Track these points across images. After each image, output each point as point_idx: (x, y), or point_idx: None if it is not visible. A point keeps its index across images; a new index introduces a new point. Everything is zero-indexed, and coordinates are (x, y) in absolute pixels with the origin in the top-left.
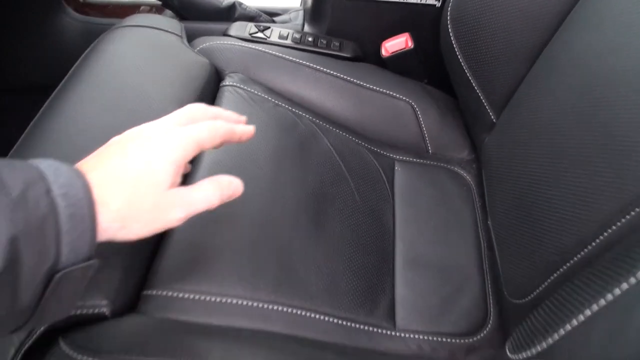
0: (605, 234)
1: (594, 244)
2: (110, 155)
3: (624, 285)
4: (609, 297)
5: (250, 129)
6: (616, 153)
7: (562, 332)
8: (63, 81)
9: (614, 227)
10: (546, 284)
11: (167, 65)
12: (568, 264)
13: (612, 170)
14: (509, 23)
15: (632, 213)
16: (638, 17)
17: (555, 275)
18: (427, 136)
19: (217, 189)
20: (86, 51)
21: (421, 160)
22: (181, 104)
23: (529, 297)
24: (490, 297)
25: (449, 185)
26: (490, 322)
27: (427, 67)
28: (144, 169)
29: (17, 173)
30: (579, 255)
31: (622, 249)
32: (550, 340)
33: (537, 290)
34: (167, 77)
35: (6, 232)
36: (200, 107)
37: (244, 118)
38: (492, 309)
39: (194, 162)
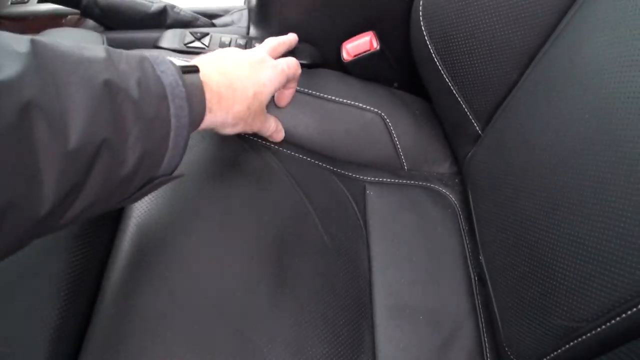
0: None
1: (626, 314)
2: (232, 67)
3: None
4: None
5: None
6: None
7: None
8: None
9: None
10: (561, 351)
11: None
12: (591, 334)
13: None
14: (495, 20)
15: None
16: None
17: (573, 343)
18: (401, 151)
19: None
20: None
21: (396, 180)
22: None
23: None
24: (487, 349)
25: (430, 209)
26: None
27: (397, 69)
28: (258, 87)
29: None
30: (605, 325)
31: None
32: None
33: (549, 357)
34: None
35: (141, 146)
36: (276, 40)
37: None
38: None
39: (123, 217)
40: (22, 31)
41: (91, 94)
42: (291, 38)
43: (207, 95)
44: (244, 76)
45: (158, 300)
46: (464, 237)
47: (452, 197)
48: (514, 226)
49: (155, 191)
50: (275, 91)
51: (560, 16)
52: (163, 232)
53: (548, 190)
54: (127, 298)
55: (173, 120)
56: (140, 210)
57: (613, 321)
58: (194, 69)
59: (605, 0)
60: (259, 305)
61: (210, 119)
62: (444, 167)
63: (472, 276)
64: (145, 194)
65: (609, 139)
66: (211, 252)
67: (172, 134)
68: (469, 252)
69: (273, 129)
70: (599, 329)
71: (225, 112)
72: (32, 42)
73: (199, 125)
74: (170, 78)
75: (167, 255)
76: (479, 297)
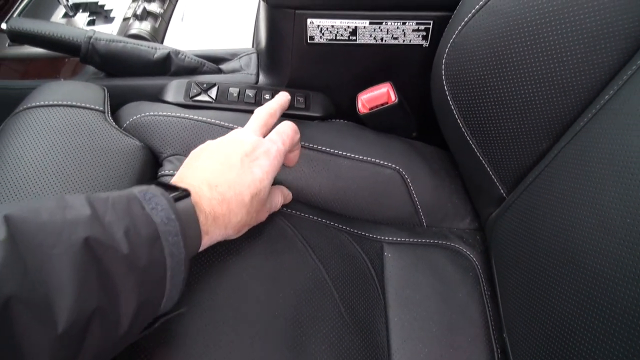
0: None
1: None
2: (223, 172)
3: None
4: None
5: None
6: None
7: None
8: None
9: None
10: None
11: (89, 160)
12: None
13: None
14: (526, 85)
15: None
16: None
17: None
18: (420, 208)
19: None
20: None
21: (415, 240)
22: None
23: None
24: None
25: (451, 272)
26: None
27: (416, 120)
28: (254, 188)
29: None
30: None
31: None
32: None
33: None
34: (87, 181)
35: (135, 299)
36: (265, 112)
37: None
38: None
39: None
40: (23, 74)
41: (76, 264)
42: (282, 101)
43: (201, 219)
44: (236, 181)
45: None
46: (486, 304)
47: (473, 257)
48: (543, 316)
49: None
50: (275, 174)
51: (600, 87)
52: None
53: (581, 278)
54: None
55: (168, 260)
56: None
57: None
58: (185, 194)
59: None
60: None
61: (208, 241)
62: (465, 223)
63: (496, 350)
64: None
65: None
66: (222, 334)
67: (168, 275)
68: (491, 322)
69: (281, 203)
70: None
71: (223, 229)
72: (8, 224)
73: (196, 251)
74: (161, 214)
75: (182, 338)
76: None
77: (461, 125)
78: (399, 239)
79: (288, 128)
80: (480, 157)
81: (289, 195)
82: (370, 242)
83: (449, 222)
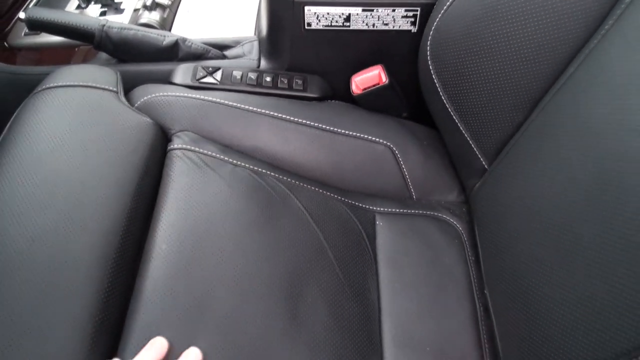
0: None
1: None
2: None
3: None
4: None
5: None
6: None
7: None
8: None
9: None
10: None
11: (103, 134)
12: None
13: (637, 284)
14: (502, 63)
15: None
16: None
17: None
18: (410, 181)
19: None
20: (8, 124)
21: (405, 210)
22: (124, 184)
23: None
24: None
25: (438, 239)
26: None
27: (405, 101)
28: None
29: None
30: None
31: None
32: None
33: None
34: (104, 152)
35: None
36: None
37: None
38: None
39: (145, 258)
40: (37, 62)
41: None
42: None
43: None
44: None
45: (180, 337)
46: (470, 267)
47: (459, 226)
48: (514, 266)
49: (179, 227)
50: None
51: (565, 64)
52: (186, 265)
53: (547, 232)
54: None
55: None
56: (165, 240)
57: None
58: None
59: (613, 57)
60: (274, 341)
61: None
62: (452, 196)
63: (478, 307)
64: None
65: (612, 200)
66: (230, 287)
67: None
68: (474, 283)
69: None
70: None
71: None
72: None
73: None
74: None
75: (189, 288)
76: (484, 328)
77: (446, 102)
78: (390, 210)
79: None
80: (464, 131)
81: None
82: (363, 211)
83: (437, 195)
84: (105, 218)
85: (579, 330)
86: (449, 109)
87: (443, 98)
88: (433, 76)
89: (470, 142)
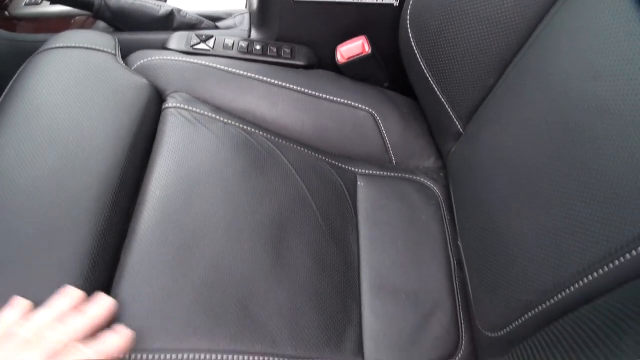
0: (585, 280)
1: (573, 289)
2: None
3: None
4: None
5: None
6: (596, 193)
7: None
8: None
9: (595, 275)
10: (521, 321)
11: (102, 91)
12: (545, 305)
13: (592, 213)
14: (475, 29)
15: (617, 263)
16: (627, 35)
17: (530, 314)
18: (390, 147)
19: None
20: (12, 81)
21: (385, 173)
22: (120, 136)
23: (502, 332)
24: (462, 324)
25: (416, 199)
26: (462, 350)
27: (387, 71)
28: None
29: None
30: (556, 298)
31: (606, 307)
32: None
33: (511, 327)
34: (102, 106)
35: None
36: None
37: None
38: (464, 336)
39: (139, 202)
40: (36, 31)
41: None
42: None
43: None
44: None
45: (171, 272)
46: (445, 226)
47: (437, 190)
48: (485, 211)
49: (172, 175)
50: None
51: (532, 27)
52: (178, 209)
53: (513, 177)
54: (143, 277)
55: None
56: (157, 189)
57: (559, 297)
58: None
59: (574, 16)
60: (260, 279)
61: None
62: (430, 162)
63: (452, 261)
64: None
65: (568, 140)
66: (219, 232)
67: None
68: (449, 240)
69: None
70: (549, 303)
71: None
72: None
73: None
74: None
75: (181, 229)
76: (457, 280)
77: (424, 68)
78: (371, 172)
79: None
80: (440, 96)
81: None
82: (346, 172)
83: (415, 161)
84: (103, 164)
85: (539, 257)
86: (427, 75)
87: (422, 64)
88: (412, 43)
89: (447, 106)
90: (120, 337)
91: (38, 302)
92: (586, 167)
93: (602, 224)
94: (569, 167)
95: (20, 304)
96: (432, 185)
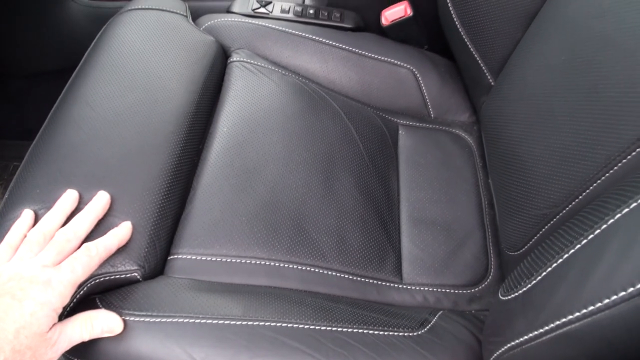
0: (591, 187)
1: (580, 197)
2: None
3: (595, 232)
4: (583, 241)
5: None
6: (600, 112)
7: (543, 273)
8: (78, 67)
9: (598, 182)
10: (538, 236)
11: (175, 46)
12: (557, 217)
13: (595, 129)
14: None
15: (612, 170)
16: None
17: (545, 227)
18: (428, 101)
19: (88, 326)
20: (96, 37)
21: (424, 125)
22: (192, 82)
23: (523, 249)
24: (491, 251)
25: (451, 147)
26: (491, 274)
27: (427, 34)
28: (29, 320)
29: None
30: (566, 208)
31: (600, 201)
32: (533, 280)
33: (530, 243)
34: (176, 58)
35: None
36: (64, 237)
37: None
38: (492, 262)
39: (209, 136)
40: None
41: None
42: (79, 231)
43: None
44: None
45: (236, 192)
46: (477, 170)
47: (470, 140)
48: (509, 147)
49: (237, 114)
50: (63, 305)
51: None
52: (242, 142)
53: (532, 112)
54: (213, 195)
55: None
56: (224, 123)
57: (570, 206)
58: None
59: None
60: (312, 201)
61: None
62: (465, 117)
63: (483, 200)
64: None
65: (581, 71)
66: (278, 161)
67: None
68: (481, 183)
69: (94, 333)
70: (560, 215)
71: None
72: None
73: None
74: None
75: (244, 158)
76: (487, 217)
77: (457, 24)
78: (411, 123)
79: (83, 255)
80: (472, 50)
81: (113, 323)
82: (389, 121)
83: (452, 115)
84: (178, 105)
85: (552, 174)
86: (461, 33)
87: (456, 22)
88: (448, 3)
89: (479, 60)
90: (121, 229)
91: (126, 214)
92: (594, 92)
93: (602, 137)
94: (578, 92)
95: (27, 214)
96: (466, 137)
